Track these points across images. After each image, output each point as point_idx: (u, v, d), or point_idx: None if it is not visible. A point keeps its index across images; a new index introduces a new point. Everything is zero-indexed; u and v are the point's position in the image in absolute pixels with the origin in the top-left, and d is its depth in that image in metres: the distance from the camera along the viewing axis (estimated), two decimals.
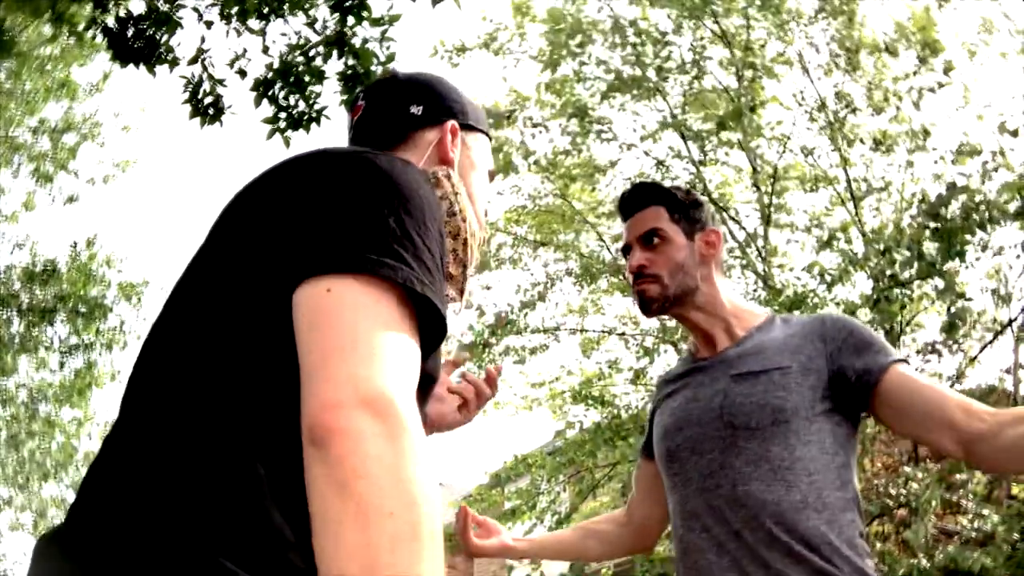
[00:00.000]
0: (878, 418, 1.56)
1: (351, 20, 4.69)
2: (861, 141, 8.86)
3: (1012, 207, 5.34)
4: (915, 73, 8.34)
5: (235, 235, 0.90)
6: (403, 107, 1.16)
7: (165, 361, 0.86)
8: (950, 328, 5.40)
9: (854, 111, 8.62)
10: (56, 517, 12.30)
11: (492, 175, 1.25)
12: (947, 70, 8.00)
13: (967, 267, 5.95)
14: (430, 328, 0.84)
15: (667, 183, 2.07)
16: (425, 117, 1.16)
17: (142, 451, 0.79)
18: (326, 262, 0.78)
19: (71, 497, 12.50)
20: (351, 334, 0.74)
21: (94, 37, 5.16)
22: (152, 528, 0.72)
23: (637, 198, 1.75)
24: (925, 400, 1.48)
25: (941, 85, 8.07)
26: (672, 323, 9.51)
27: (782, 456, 1.48)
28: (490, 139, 1.26)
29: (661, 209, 1.72)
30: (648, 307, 1.69)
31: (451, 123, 1.16)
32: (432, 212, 0.88)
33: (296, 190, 0.88)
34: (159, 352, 0.88)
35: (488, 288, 10.24)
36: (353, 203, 0.83)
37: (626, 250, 1.75)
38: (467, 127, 1.19)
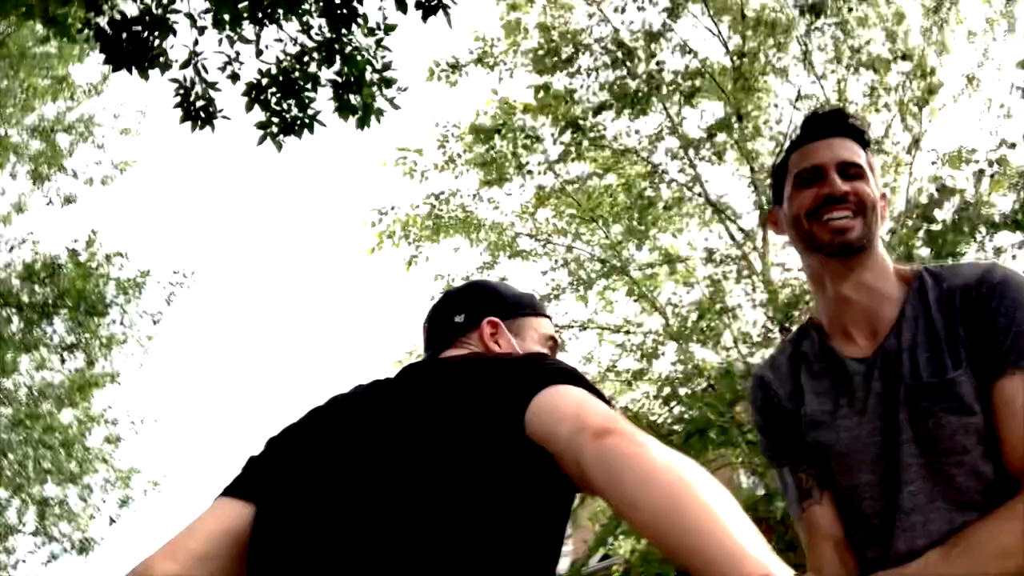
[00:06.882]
0: None
1: (344, 29, 4.68)
2: None
3: (999, 211, 5.34)
4: (904, 85, 8.37)
5: (438, 412, 1.13)
6: (449, 319, 1.45)
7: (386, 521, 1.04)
8: None
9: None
10: (56, 517, 12.32)
11: (548, 338, 1.49)
12: (933, 89, 8.04)
13: None
14: None
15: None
16: (466, 323, 1.43)
17: None
18: (550, 382, 1.08)
19: (71, 497, 12.54)
20: (587, 398, 1.05)
21: (87, 39, 5.14)
22: None
23: (837, 123, 1.51)
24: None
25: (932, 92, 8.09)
26: (673, 320, 9.53)
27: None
28: (537, 314, 1.50)
29: (858, 147, 1.49)
30: (848, 244, 1.42)
31: (485, 321, 1.42)
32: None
33: (497, 371, 1.18)
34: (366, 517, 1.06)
35: (504, 280, 10.30)
36: (547, 364, 1.16)
37: (809, 175, 1.46)
38: (510, 316, 1.45)
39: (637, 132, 9.44)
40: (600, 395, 1.09)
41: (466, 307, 1.45)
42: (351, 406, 1.25)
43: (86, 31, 4.92)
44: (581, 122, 8.89)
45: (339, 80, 4.80)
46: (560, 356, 1.29)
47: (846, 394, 1.43)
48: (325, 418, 1.26)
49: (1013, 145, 5.86)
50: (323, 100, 4.94)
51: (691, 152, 9.16)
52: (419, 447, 1.09)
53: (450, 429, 1.09)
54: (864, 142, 1.50)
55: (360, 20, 4.70)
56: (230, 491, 1.22)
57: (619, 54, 8.71)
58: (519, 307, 1.48)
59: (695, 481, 0.86)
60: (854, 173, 1.44)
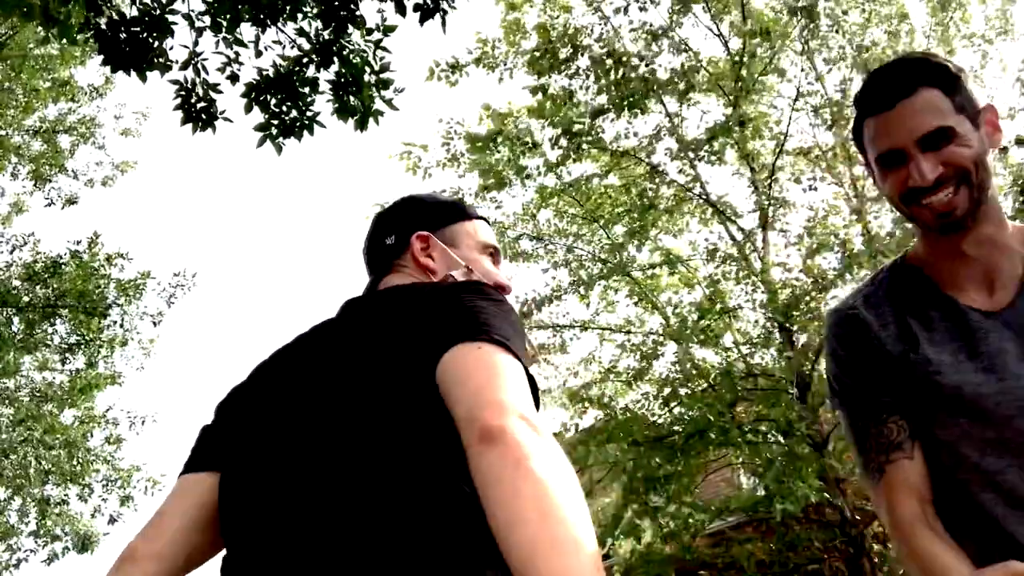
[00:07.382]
0: None
1: (343, 31, 4.68)
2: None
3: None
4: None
5: (362, 352, 1.11)
6: (381, 242, 1.38)
7: (331, 445, 1.04)
8: None
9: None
10: (55, 517, 12.33)
11: (485, 246, 1.40)
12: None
13: None
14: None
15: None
16: (398, 244, 1.36)
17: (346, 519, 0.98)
18: (462, 335, 1.04)
19: (71, 497, 12.55)
20: (494, 371, 0.99)
21: (87, 40, 5.14)
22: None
23: (902, 80, 1.27)
24: None
25: None
26: (673, 320, 9.54)
27: None
28: (469, 217, 1.41)
29: (938, 93, 1.26)
30: (955, 223, 1.27)
31: (414, 236, 1.35)
32: (509, 307, 1.14)
33: (413, 310, 1.13)
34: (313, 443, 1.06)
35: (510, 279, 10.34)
36: (465, 306, 1.09)
37: (892, 159, 1.29)
38: (440, 226, 1.37)
39: (636, 134, 9.46)
40: (513, 352, 1.04)
41: (395, 226, 1.37)
42: (293, 356, 1.22)
43: (86, 32, 4.91)
44: (579, 126, 8.89)
45: (338, 81, 4.80)
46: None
47: (966, 348, 1.29)
48: (269, 373, 1.23)
49: (1005, 149, 5.87)
50: (322, 102, 4.93)
51: (690, 153, 9.16)
52: (351, 397, 1.07)
53: (375, 377, 1.07)
54: (947, 82, 1.27)
55: (359, 21, 4.70)
56: (192, 466, 1.22)
57: (608, 63, 8.72)
58: (448, 214, 1.39)
59: (556, 522, 0.84)
60: (942, 140, 1.24)
